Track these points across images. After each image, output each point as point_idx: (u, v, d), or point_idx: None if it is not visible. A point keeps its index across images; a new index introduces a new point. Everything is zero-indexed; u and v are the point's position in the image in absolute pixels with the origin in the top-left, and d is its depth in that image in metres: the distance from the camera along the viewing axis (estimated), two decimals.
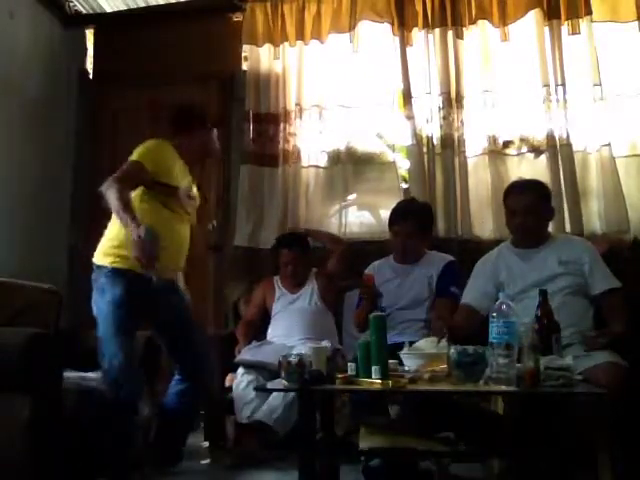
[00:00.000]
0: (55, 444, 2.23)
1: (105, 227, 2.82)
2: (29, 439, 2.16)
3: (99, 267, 2.64)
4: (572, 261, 2.70)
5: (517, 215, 2.77)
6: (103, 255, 2.67)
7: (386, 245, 3.31)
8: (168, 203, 2.72)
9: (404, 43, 3.80)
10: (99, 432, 2.47)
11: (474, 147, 3.72)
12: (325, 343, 2.74)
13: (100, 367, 2.58)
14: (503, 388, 1.91)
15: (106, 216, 2.85)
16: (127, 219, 2.43)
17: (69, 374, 2.61)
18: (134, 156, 2.70)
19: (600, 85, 3.52)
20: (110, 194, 2.50)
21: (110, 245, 2.67)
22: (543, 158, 3.63)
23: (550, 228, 2.99)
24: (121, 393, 2.49)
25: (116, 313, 2.55)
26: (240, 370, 3.16)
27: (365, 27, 3.90)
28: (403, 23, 3.81)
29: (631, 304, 2.70)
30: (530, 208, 2.74)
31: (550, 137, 3.58)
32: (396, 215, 3.15)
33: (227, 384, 3.19)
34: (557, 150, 3.56)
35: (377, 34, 3.89)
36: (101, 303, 2.59)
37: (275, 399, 2.97)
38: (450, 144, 3.70)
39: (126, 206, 2.47)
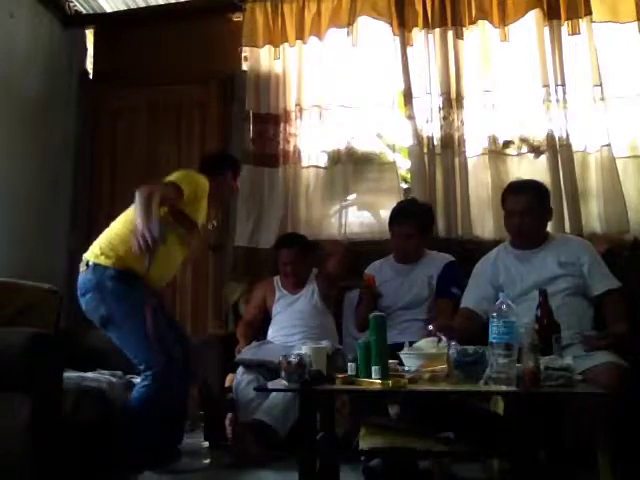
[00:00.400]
0: (55, 444, 2.23)
1: (104, 229, 2.82)
2: (29, 439, 2.16)
3: (98, 266, 2.62)
4: (571, 262, 2.69)
5: (514, 216, 2.76)
6: (103, 255, 2.64)
7: (386, 245, 3.31)
8: (183, 237, 2.76)
9: (404, 43, 3.80)
10: (99, 433, 2.47)
11: (474, 147, 3.71)
12: (325, 343, 2.73)
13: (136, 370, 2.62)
14: (503, 388, 1.91)
15: (106, 216, 2.86)
16: (147, 214, 2.44)
17: (69, 374, 2.61)
18: (174, 178, 2.71)
19: (600, 85, 3.51)
20: (139, 194, 2.51)
21: (110, 246, 2.66)
22: (543, 158, 3.63)
23: (550, 228, 2.99)
24: (173, 389, 2.54)
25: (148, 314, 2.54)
26: (240, 370, 3.16)
27: (364, 22, 3.89)
28: (403, 23, 3.81)
29: (631, 304, 2.70)
30: (527, 209, 2.73)
31: (550, 137, 3.57)
32: (397, 215, 3.15)
33: (227, 384, 3.19)
34: (557, 150, 3.55)
35: (376, 30, 3.89)
36: (125, 309, 2.56)
37: (275, 399, 2.97)
38: (450, 144, 3.70)
39: (149, 206, 2.47)
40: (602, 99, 3.51)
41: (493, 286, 2.75)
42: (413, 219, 3.09)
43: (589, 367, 2.34)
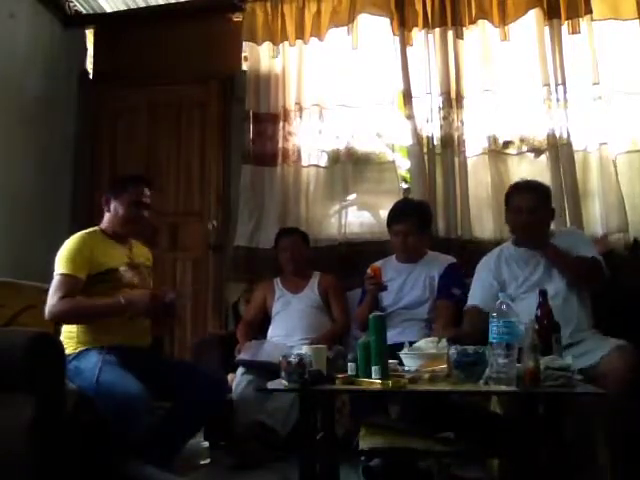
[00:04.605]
0: (57, 444, 2.23)
1: None
2: (31, 439, 2.16)
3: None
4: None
5: (522, 213, 2.76)
6: (66, 346, 2.58)
7: (386, 245, 3.32)
8: (113, 285, 2.67)
9: (404, 43, 3.80)
10: (99, 433, 2.47)
11: (474, 147, 3.71)
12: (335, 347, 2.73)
13: None
14: (503, 388, 1.91)
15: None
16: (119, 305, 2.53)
17: None
18: (57, 268, 2.62)
19: (601, 84, 3.51)
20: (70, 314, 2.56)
21: (69, 335, 2.65)
22: (543, 158, 3.62)
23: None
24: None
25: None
26: (240, 370, 3.16)
27: (364, 20, 3.90)
28: (403, 23, 3.81)
29: (631, 304, 2.69)
30: (534, 207, 2.75)
31: (550, 137, 3.57)
32: (395, 214, 3.17)
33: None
34: (557, 150, 3.54)
35: (376, 28, 3.89)
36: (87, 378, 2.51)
37: (277, 400, 2.97)
38: (450, 144, 3.70)
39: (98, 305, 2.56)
40: (602, 98, 3.51)
41: (497, 281, 2.79)
42: (410, 216, 3.11)
43: (600, 357, 2.37)
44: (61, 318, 2.61)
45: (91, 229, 2.79)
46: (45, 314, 2.58)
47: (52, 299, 2.56)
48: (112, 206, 2.77)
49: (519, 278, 2.75)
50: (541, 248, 2.73)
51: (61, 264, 2.62)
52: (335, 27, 3.93)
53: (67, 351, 2.60)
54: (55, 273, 2.61)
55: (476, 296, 2.83)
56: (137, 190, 2.77)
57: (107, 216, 2.80)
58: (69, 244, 2.69)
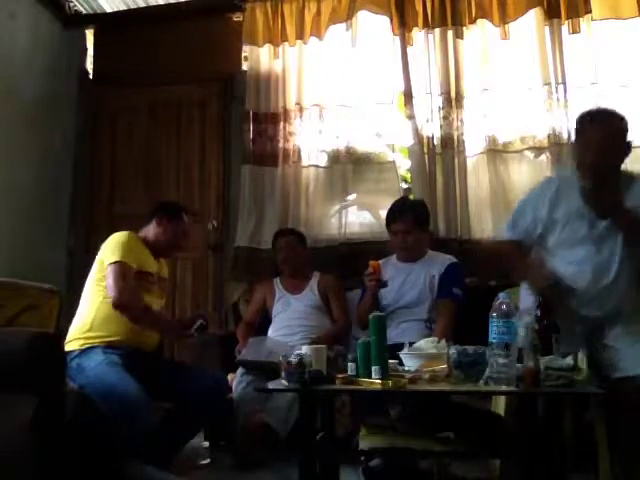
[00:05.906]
0: (57, 444, 2.23)
1: (104, 228, 2.84)
2: (31, 439, 2.16)
3: (68, 353, 2.60)
4: None
5: (591, 149, 2.33)
6: (73, 341, 2.67)
7: (386, 245, 3.32)
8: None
9: (404, 43, 3.80)
10: (99, 434, 2.47)
11: (474, 147, 3.71)
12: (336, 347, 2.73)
13: None
14: (503, 388, 1.91)
15: (106, 216, 2.86)
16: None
17: None
18: (112, 257, 2.70)
19: (601, 83, 3.51)
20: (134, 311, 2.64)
21: (80, 330, 2.70)
22: (543, 157, 3.62)
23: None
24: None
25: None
26: (240, 370, 3.16)
27: (364, 18, 3.90)
28: (403, 23, 3.81)
29: None
30: (611, 139, 2.31)
31: (551, 136, 3.57)
32: (393, 214, 3.17)
33: None
34: (558, 149, 3.54)
35: (376, 26, 3.89)
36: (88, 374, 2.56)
37: (277, 399, 2.97)
38: (450, 144, 3.70)
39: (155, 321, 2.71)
40: (603, 97, 3.50)
41: (544, 223, 2.47)
42: (407, 214, 3.11)
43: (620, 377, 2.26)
44: (127, 308, 2.64)
45: (132, 232, 2.87)
46: (114, 297, 2.62)
47: (119, 284, 2.62)
48: (166, 226, 2.91)
49: (574, 224, 2.40)
50: (610, 215, 2.30)
51: (117, 253, 2.70)
52: (334, 25, 3.92)
53: (73, 346, 2.62)
54: (110, 261, 2.68)
55: (514, 234, 2.57)
56: (186, 220, 2.99)
57: (152, 229, 2.91)
58: (121, 237, 2.78)
